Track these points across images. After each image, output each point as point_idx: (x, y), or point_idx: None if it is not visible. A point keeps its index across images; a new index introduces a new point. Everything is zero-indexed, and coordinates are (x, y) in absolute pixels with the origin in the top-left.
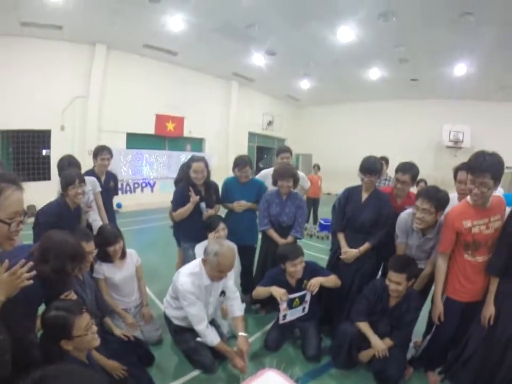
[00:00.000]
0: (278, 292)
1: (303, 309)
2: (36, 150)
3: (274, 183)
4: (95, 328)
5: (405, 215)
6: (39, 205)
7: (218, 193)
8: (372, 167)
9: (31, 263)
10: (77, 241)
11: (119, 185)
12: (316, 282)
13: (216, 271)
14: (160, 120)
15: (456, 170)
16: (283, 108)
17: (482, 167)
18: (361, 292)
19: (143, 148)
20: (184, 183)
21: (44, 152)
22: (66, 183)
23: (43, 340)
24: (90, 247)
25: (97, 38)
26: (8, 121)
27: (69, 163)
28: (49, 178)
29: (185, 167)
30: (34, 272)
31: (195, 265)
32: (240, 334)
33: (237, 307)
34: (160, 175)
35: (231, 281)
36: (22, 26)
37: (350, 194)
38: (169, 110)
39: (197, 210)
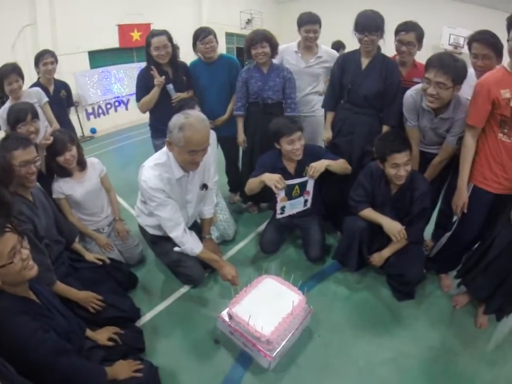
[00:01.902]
0: (270, 178)
1: (305, 201)
2: None
3: (248, 54)
4: (26, 253)
5: (411, 92)
6: None
7: (189, 76)
8: (369, 22)
9: None
10: None
11: (91, 110)
12: (318, 165)
13: (186, 153)
14: (124, 30)
15: (470, 43)
16: (263, 5)
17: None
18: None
19: (109, 65)
20: (147, 66)
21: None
22: (15, 119)
23: None
24: (29, 154)
25: None
26: None
27: (13, 68)
28: None
29: (146, 46)
30: None
31: (161, 154)
32: (206, 236)
33: (208, 210)
34: (132, 90)
35: (213, 173)
36: None
37: (346, 61)
38: (132, 18)
39: (165, 97)
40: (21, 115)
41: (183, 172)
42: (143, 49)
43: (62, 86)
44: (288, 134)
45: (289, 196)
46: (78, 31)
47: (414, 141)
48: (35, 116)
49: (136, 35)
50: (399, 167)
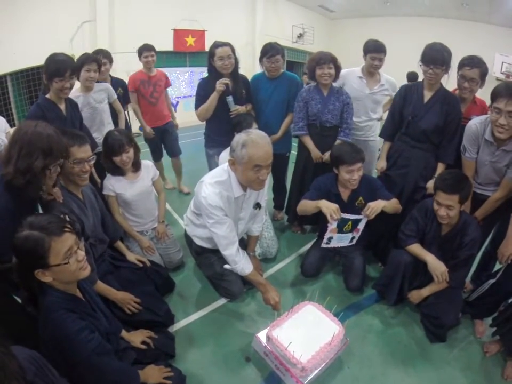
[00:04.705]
0: (329, 207)
1: (352, 238)
2: None
3: (312, 74)
4: (81, 254)
5: (475, 121)
6: None
7: (249, 90)
8: (436, 55)
9: None
10: (56, 134)
11: None
12: (376, 206)
13: (251, 170)
14: (179, 35)
15: None
16: (315, 20)
17: None
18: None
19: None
20: (208, 76)
21: None
22: (54, 72)
23: (18, 269)
24: (84, 152)
25: None
26: (15, 62)
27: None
28: None
29: (208, 57)
30: None
31: (222, 171)
32: (250, 253)
33: (256, 228)
34: (182, 94)
35: (266, 191)
36: None
37: (409, 92)
38: (188, 24)
39: (223, 109)
40: (61, 69)
41: (242, 191)
42: (196, 54)
43: (119, 83)
44: (349, 164)
45: (340, 229)
46: (135, 32)
47: (469, 174)
48: (74, 72)
49: (190, 40)
50: (440, 206)
